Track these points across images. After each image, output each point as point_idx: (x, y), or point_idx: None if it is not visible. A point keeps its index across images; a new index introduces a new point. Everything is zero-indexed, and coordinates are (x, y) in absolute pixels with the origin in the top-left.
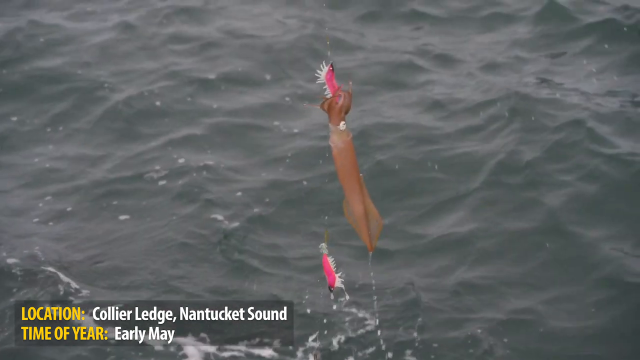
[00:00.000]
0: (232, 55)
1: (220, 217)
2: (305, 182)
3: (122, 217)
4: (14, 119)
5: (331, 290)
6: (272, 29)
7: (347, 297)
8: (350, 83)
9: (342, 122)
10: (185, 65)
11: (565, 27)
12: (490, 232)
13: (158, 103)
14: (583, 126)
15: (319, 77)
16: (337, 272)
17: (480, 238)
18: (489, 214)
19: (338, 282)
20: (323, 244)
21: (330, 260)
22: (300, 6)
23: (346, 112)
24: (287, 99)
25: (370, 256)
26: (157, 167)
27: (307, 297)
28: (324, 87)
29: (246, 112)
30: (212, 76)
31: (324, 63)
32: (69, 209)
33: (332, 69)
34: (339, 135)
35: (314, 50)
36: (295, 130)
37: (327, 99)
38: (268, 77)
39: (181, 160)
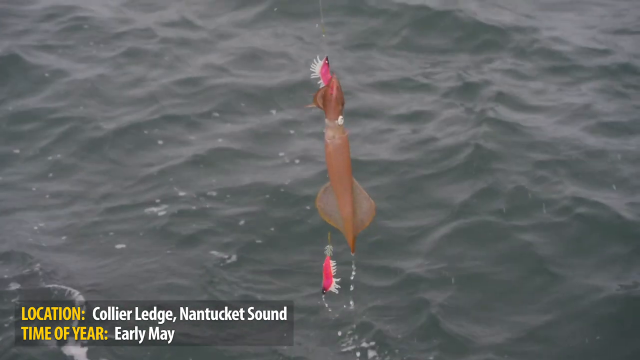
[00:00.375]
0: (225, 89)
1: (221, 234)
2: (308, 207)
3: (118, 246)
4: (16, 151)
5: (323, 293)
6: (265, 64)
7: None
8: (335, 76)
9: (340, 117)
10: (179, 99)
11: (553, 65)
12: (467, 266)
13: (152, 135)
14: (564, 164)
15: (313, 72)
16: (335, 277)
17: (457, 273)
18: (464, 248)
19: (333, 287)
20: (329, 246)
21: (332, 264)
22: (291, 39)
23: (342, 105)
24: (292, 131)
25: (354, 257)
26: (157, 200)
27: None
28: (319, 82)
29: (242, 142)
30: (206, 109)
31: (317, 57)
32: (63, 237)
33: (327, 63)
34: (335, 131)
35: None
36: (297, 161)
37: (321, 90)
38: (264, 109)
39: (181, 193)
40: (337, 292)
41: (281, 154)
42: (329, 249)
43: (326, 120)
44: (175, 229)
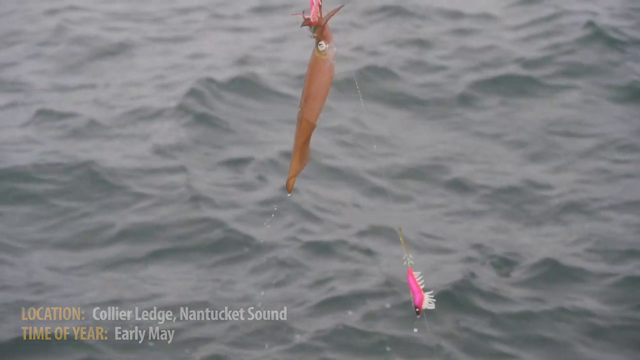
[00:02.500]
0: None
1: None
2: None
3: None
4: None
5: (418, 313)
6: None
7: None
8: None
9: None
10: None
11: None
12: None
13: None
14: None
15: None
16: (425, 289)
17: None
18: None
19: (426, 302)
20: (408, 255)
21: (417, 275)
22: None
23: None
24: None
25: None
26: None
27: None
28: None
29: None
30: None
31: None
32: (66, 235)
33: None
34: (331, 54)
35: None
36: None
37: (320, 12)
38: None
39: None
40: (433, 306)
41: None
42: (408, 258)
43: (326, 45)
44: (174, 228)
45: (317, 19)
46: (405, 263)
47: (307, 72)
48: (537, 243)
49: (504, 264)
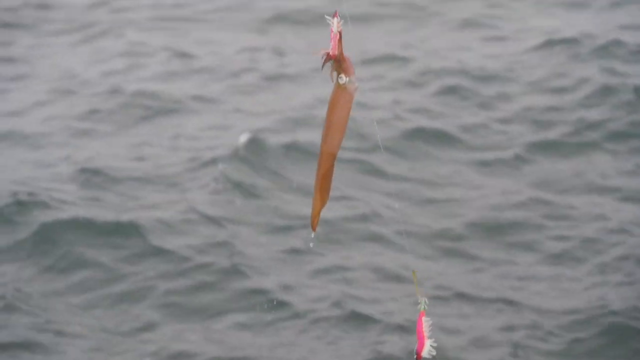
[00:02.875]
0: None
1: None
2: None
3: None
4: None
5: (416, 359)
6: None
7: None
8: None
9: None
10: None
11: None
12: None
13: None
14: None
15: (330, 24)
16: (429, 336)
17: None
18: None
19: (426, 351)
20: (423, 298)
21: (427, 321)
22: None
23: None
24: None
25: (313, 237)
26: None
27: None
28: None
29: None
30: None
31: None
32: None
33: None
34: (352, 88)
35: None
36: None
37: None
38: None
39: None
40: (432, 356)
41: None
42: (423, 302)
43: (347, 78)
44: (219, 292)
45: (336, 52)
46: (419, 307)
47: (329, 103)
48: (600, 305)
49: (562, 334)
